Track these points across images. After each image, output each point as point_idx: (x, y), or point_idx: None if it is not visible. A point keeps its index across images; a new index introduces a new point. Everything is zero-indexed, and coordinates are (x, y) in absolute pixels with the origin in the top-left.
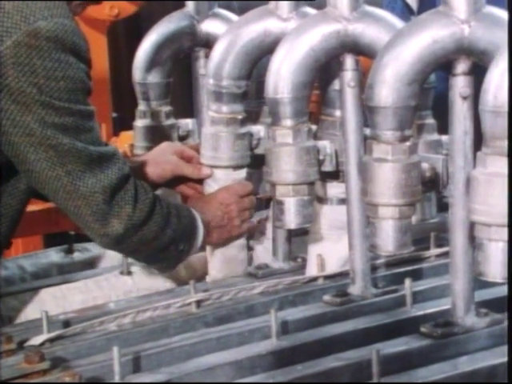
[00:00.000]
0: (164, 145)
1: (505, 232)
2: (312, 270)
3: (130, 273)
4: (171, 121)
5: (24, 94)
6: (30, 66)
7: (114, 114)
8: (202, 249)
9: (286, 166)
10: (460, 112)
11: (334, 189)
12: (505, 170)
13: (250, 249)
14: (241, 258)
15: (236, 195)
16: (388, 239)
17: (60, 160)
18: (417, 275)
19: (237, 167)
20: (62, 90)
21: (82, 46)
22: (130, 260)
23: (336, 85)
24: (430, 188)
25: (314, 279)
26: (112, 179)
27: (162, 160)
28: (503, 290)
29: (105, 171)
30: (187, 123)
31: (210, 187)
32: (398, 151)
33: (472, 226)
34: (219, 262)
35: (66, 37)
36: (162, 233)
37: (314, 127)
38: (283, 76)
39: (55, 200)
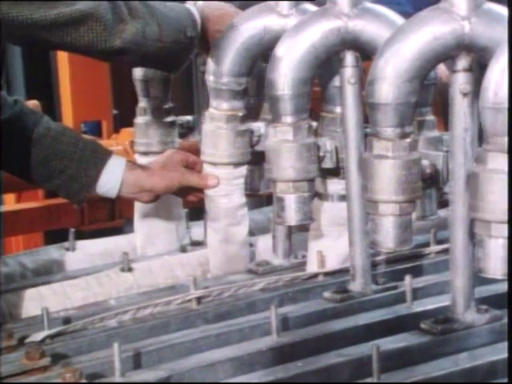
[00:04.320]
0: (169, 153)
1: (505, 228)
2: (312, 267)
3: (130, 269)
4: (172, 118)
5: None
6: None
7: (115, 111)
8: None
9: (287, 163)
10: (460, 108)
11: (335, 185)
12: (505, 167)
13: (251, 245)
14: (243, 255)
15: None
16: (388, 236)
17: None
18: (417, 272)
19: (237, 164)
20: None
21: None
22: (130, 257)
23: (336, 81)
24: (430, 185)
25: (315, 276)
26: None
27: (168, 170)
28: (503, 287)
29: None
30: (188, 120)
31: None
32: (399, 148)
33: (472, 222)
34: (221, 260)
35: None
36: (166, 23)
37: (314, 124)
38: (283, 73)
39: (69, 42)
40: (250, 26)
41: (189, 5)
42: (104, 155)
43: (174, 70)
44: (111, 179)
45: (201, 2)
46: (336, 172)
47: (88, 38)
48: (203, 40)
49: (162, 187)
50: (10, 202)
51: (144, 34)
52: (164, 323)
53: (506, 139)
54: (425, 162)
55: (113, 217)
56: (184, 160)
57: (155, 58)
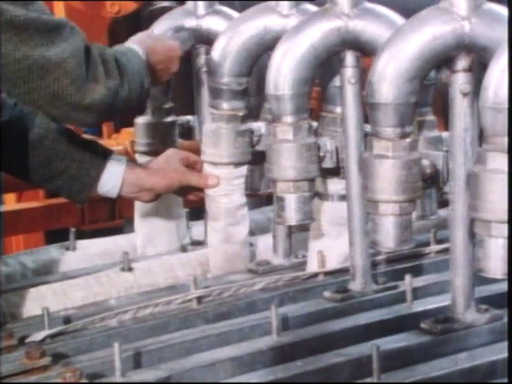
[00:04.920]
0: (170, 152)
1: (505, 228)
2: (312, 267)
3: (130, 269)
4: (172, 117)
5: None
6: None
7: None
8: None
9: (287, 163)
10: (460, 108)
11: (335, 185)
12: (505, 167)
13: (251, 245)
14: (243, 254)
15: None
16: (388, 235)
17: (20, 38)
18: (417, 271)
19: (237, 164)
20: None
21: None
22: (130, 257)
23: (336, 81)
24: (430, 184)
25: (315, 275)
26: (78, 44)
27: (168, 169)
28: (503, 287)
29: (68, 40)
30: (188, 120)
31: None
32: (399, 148)
33: (472, 222)
34: (222, 259)
35: None
36: (132, 81)
37: (314, 124)
38: (284, 73)
39: (32, 89)
40: (250, 26)
41: (135, 46)
42: (104, 155)
43: (132, 116)
44: (112, 178)
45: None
46: (336, 172)
47: (53, 89)
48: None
49: (162, 186)
50: (11, 202)
51: (116, 95)
52: (164, 323)
53: (505, 139)
54: (425, 162)
55: (113, 217)
56: (184, 159)
57: (118, 113)
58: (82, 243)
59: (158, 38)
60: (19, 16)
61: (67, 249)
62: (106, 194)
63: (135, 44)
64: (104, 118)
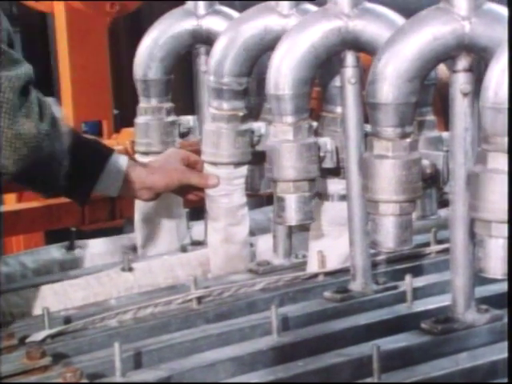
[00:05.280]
0: (170, 151)
1: (505, 228)
2: (313, 267)
3: (131, 269)
4: (172, 117)
5: None
6: None
7: (115, 111)
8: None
9: (287, 163)
10: (460, 108)
11: (335, 185)
12: (505, 167)
13: (251, 245)
14: (243, 254)
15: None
16: (388, 235)
17: None
18: (417, 271)
19: (238, 164)
20: None
21: None
22: (131, 257)
23: (337, 81)
24: (430, 184)
25: (315, 275)
26: (18, 73)
27: (169, 168)
28: (503, 287)
29: (10, 68)
30: (188, 120)
31: None
32: (399, 148)
33: (472, 222)
34: (222, 259)
35: None
36: (59, 143)
37: (314, 124)
38: (284, 73)
39: None
40: (250, 26)
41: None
42: (106, 153)
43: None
44: (112, 177)
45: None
46: (336, 172)
47: None
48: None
49: (162, 185)
50: (11, 202)
51: (43, 141)
52: (164, 323)
53: (506, 139)
54: (425, 162)
55: (113, 217)
56: (185, 159)
57: (39, 168)
58: (83, 243)
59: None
60: None
61: (67, 249)
62: (106, 192)
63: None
64: (27, 161)
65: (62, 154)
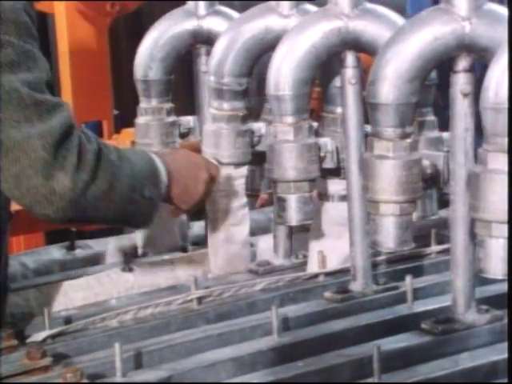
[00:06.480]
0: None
1: (505, 229)
2: (313, 267)
3: (131, 269)
4: (173, 118)
5: None
6: None
7: (116, 111)
8: (169, 201)
9: (288, 163)
10: (461, 109)
11: (335, 185)
12: (505, 167)
13: (251, 245)
14: (244, 255)
15: (206, 166)
16: (389, 236)
17: None
18: (418, 272)
19: (238, 164)
20: None
21: None
22: (131, 257)
23: (337, 82)
24: (430, 185)
25: (315, 276)
26: (52, 126)
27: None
28: (504, 287)
29: (44, 119)
30: (188, 120)
31: None
32: (399, 148)
33: (473, 222)
34: (222, 260)
35: None
36: (117, 181)
37: (315, 124)
38: (284, 73)
39: None
40: (251, 27)
41: (156, 159)
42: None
43: (135, 227)
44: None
45: (169, 158)
46: (337, 172)
47: (15, 170)
48: (169, 200)
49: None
50: (11, 202)
51: (85, 191)
52: (165, 323)
53: (506, 139)
54: (425, 163)
55: None
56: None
57: (93, 214)
58: (83, 243)
59: (183, 167)
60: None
61: (68, 249)
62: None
63: (158, 157)
64: (71, 215)
65: (135, 186)
